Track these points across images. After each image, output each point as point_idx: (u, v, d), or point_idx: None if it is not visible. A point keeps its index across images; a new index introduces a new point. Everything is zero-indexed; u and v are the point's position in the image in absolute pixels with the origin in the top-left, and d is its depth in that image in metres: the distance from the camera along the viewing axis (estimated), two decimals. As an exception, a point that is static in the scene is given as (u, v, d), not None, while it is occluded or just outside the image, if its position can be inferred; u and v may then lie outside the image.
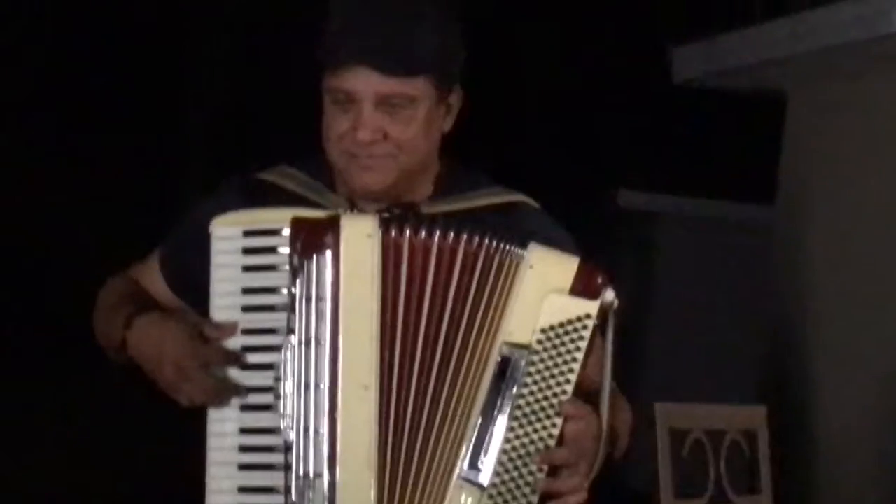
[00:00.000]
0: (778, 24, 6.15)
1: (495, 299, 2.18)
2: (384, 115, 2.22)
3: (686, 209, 9.19)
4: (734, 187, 8.93)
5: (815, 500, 5.99)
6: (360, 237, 2.17)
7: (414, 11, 2.22)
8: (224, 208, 2.25)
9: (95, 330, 2.41)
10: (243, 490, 2.19)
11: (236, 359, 2.18)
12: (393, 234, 2.18)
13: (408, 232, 2.18)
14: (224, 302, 2.20)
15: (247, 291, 2.20)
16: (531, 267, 2.18)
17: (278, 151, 2.47)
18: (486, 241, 2.19)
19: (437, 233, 2.18)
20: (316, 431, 2.15)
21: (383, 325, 2.17)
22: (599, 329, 2.19)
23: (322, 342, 2.15)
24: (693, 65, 6.86)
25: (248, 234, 2.20)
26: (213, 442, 2.21)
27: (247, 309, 2.19)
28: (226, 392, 2.18)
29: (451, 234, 2.18)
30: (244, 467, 2.19)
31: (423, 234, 2.18)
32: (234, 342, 2.19)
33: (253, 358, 2.19)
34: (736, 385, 6.33)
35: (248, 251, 2.20)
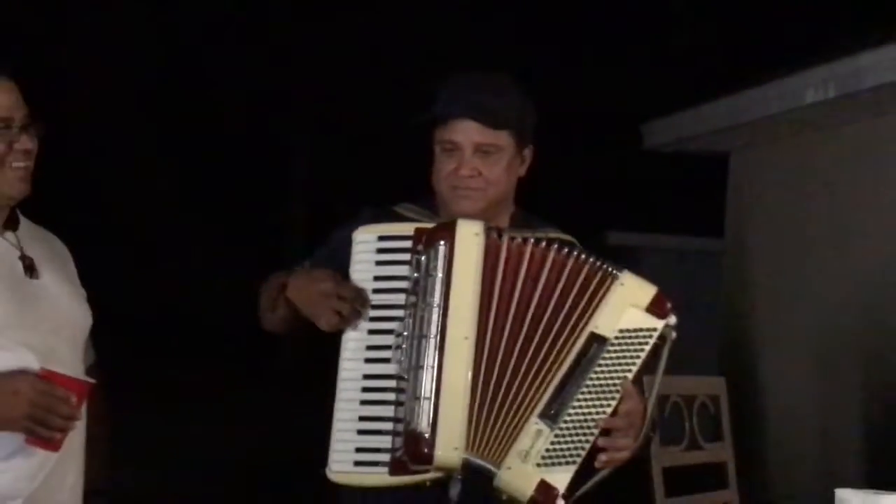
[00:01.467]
0: (720, 102, 6.42)
1: (588, 299, 2.28)
2: (479, 159, 2.39)
3: (660, 243, 9.58)
4: (693, 225, 9.33)
5: (765, 445, 6.29)
6: (469, 234, 2.31)
7: (501, 85, 2.44)
8: (361, 225, 2.41)
9: (259, 305, 2.49)
10: (364, 418, 2.30)
11: (364, 298, 2.31)
12: (494, 236, 2.31)
13: (506, 238, 2.32)
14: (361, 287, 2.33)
15: (377, 278, 2.33)
16: (622, 284, 2.30)
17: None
18: (575, 253, 2.29)
19: (531, 241, 2.31)
20: (426, 367, 2.25)
21: (482, 296, 2.28)
22: (659, 343, 2.28)
23: (435, 305, 2.27)
24: (659, 134, 7.09)
25: (382, 238, 2.35)
26: (343, 385, 2.31)
27: (376, 291, 2.32)
28: (354, 317, 2.30)
29: (543, 244, 2.30)
30: (365, 402, 2.30)
31: (519, 240, 2.31)
32: (365, 314, 2.31)
33: (378, 325, 2.31)
34: (702, 364, 6.57)
35: (381, 251, 2.35)
